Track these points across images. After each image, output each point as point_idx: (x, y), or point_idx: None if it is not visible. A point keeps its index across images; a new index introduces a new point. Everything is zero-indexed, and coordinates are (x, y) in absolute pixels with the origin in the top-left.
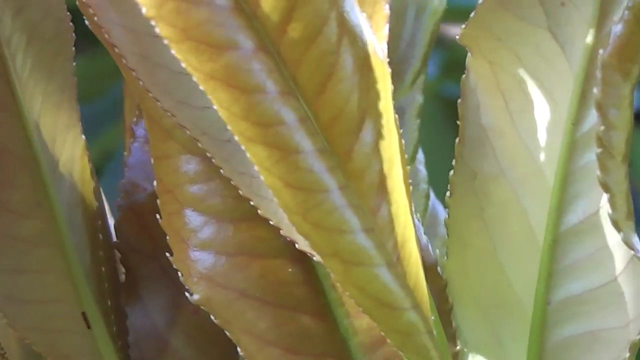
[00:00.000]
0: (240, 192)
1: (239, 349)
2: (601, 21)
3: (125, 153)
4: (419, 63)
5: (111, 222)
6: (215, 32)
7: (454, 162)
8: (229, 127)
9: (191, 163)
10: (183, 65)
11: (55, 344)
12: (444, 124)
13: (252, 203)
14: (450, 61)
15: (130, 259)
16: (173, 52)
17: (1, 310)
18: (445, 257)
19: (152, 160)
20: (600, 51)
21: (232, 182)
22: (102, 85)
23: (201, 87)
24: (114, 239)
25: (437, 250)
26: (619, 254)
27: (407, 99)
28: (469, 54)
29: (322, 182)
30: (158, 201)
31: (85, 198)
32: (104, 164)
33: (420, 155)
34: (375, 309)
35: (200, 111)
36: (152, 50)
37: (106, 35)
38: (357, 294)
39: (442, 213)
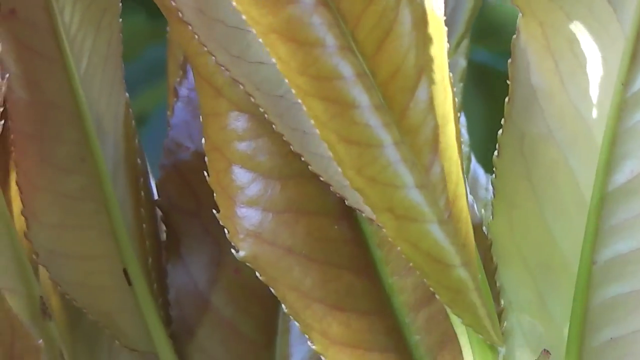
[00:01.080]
0: (291, 148)
1: (283, 306)
2: None
3: (168, 113)
4: (463, 28)
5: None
6: None
7: (502, 122)
8: (285, 82)
9: (240, 120)
10: (240, 19)
11: (96, 300)
12: (472, 88)
13: (303, 159)
14: (479, 27)
15: (172, 217)
16: (233, 4)
17: (45, 264)
18: (491, 217)
19: (201, 118)
20: None
21: (283, 138)
22: (130, 49)
23: (260, 40)
24: (156, 197)
25: (482, 210)
26: None
27: (450, 63)
28: (519, 15)
29: (377, 138)
30: (206, 158)
31: (129, 155)
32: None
33: (462, 119)
34: (426, 265)
35: (255, 66)
36: (209, 4)
37: None
38: (409, 250)
39: (482, 176)
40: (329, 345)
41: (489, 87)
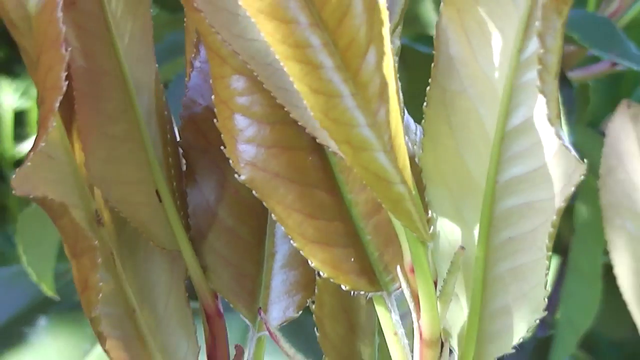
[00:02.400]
0: (276, 101)
1: (272, 215)
2: None
3: (186, 79)
4: (398, 17)
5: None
6: None
7: (430, 81)
8: (271, 53)
9: (240, 81)
10: (238, 6)
11: (136, 213)
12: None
13: (285, 109)
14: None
15: (190, 153)
16: None
17: (98, 187)
18: (421, 151)
19: (211, 80)
20: None
21: (271, 94)
22: (155, 35)
23: (253, 20)
24: (178, 139)
25: (414, 147)
26: (550, 145)
27: None
28: (442, 3)
29: (338, 90)
30: (215, 110)
31: (158, 108)
32: None
33: (399, 83)
34: (375, 183)
35: (250, 42)
36: None
37: None
38: (362, 172)
39: (412, 124)
40: (305, 243)
41: (405, 61)
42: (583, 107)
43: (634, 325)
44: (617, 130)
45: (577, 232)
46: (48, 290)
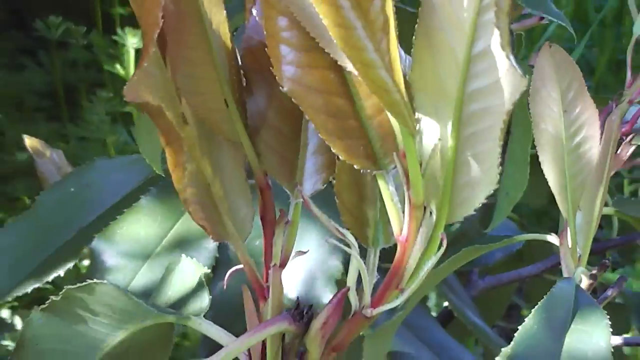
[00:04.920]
0: (309, 34)
1: (306, 116)
2: None
3: (245, 23)
4: None
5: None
6: None
7: (417, 21)
8: None
9: (283, 20)
10: None
11: (210, 114)
12: None
13: (316, 40)
14: None
15: (248, 74)
16: None
17: (183, 96)
18: (410, 71)
19: (263, 21)
20: None
21: (305, 29)
22: None
23: None
24: (240, 63)
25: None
26: (502, 66)
27: None
28: None
29: (353, 24)
30: (266, 41)
31: (226, 43)
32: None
33: (396, 21)
34: (378, 91)
35: None
36: None
37: None
38: (370, 84)
39: (402, 51)
40: (328, 136)
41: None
42: (518, 49)
43: (545, 195)
44: (542, 61)
45: (513, 132)
46: (157, 170)
